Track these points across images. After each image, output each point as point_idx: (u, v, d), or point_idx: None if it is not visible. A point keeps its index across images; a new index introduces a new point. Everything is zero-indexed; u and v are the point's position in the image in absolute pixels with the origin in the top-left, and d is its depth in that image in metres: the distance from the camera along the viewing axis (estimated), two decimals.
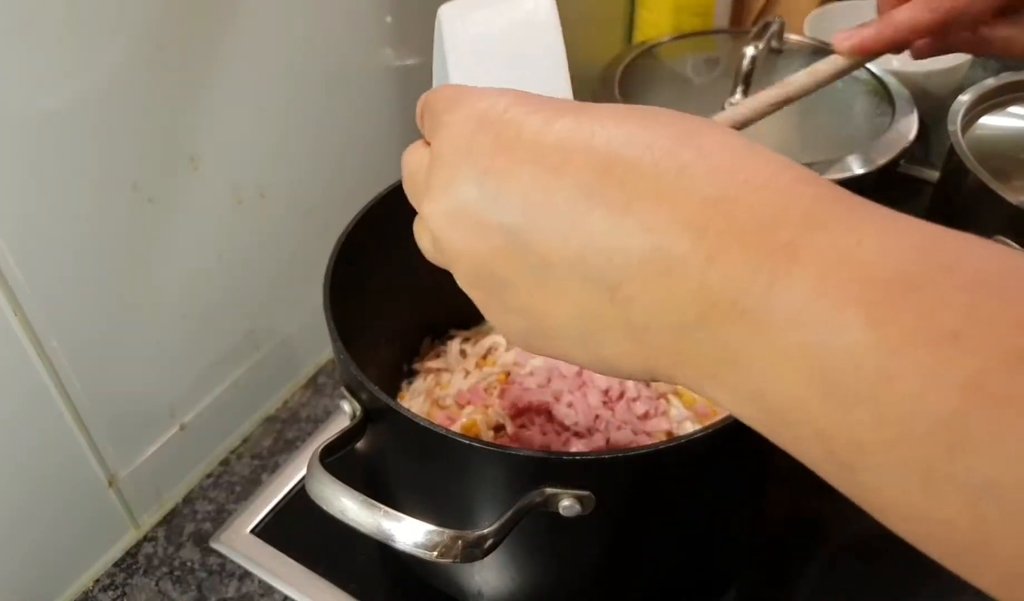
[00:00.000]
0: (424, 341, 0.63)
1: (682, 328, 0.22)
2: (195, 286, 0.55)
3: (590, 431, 0.54)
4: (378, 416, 0.41)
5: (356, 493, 0.35)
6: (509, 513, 0.36)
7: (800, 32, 0.86)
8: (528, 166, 0.24)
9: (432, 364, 0.61)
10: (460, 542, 0.34)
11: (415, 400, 0.59)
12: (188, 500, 0.59)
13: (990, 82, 0.68)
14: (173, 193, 0.51)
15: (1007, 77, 0.69)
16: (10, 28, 0.39)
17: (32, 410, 0.47)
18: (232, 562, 0.55)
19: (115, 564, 0.56)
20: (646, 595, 0.50)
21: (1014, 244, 0.56)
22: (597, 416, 0.54)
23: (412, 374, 0.61)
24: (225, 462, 0.62)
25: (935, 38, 0.47)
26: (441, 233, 0.26)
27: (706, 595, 0.53)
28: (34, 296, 0.45)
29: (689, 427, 0.54)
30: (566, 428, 0.54)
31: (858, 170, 0.66)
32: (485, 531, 0.35)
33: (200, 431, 0.59)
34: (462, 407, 0.57)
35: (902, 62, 0.86)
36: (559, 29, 0.31)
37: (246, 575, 0.54)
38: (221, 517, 0.58)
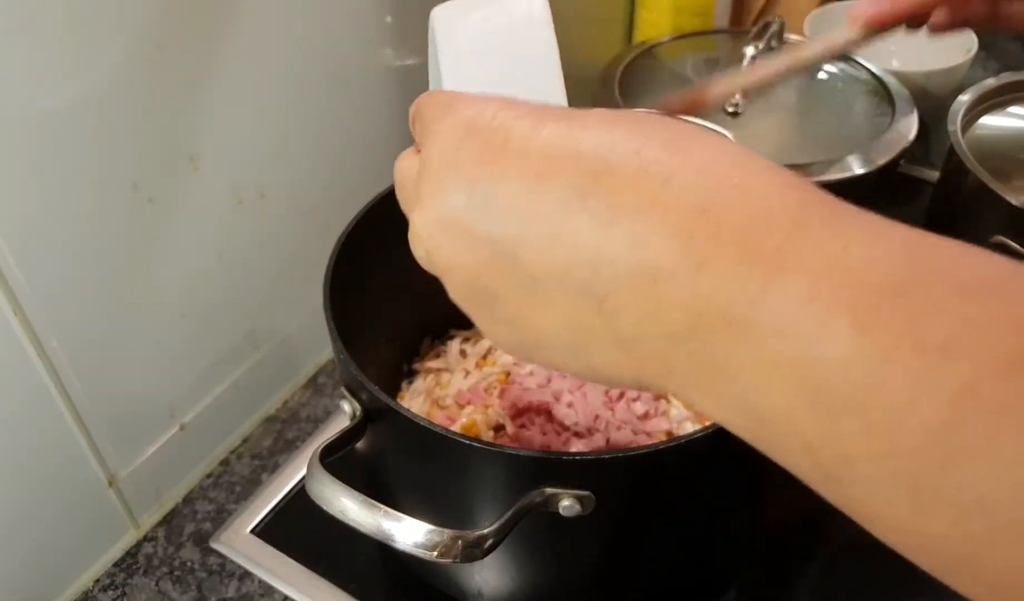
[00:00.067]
0: (424, 341, 0.63)
1: (670, 339, 0.22)
2: (195, 286, 0.55)
3: (590, 431, 0.54)
4: (378, 416, 0.41)
5: (356, 493, 0.35)
6: (509, 513, 0.36)
7: (800, 32, 0.86)
8: (515, 175, 0.24)
9: (432, 364, 0.61)
10: (460, 542, 0.34)
11: (415, 400, 0.59)
12: (188, 500, 0.59)
13: (990, 82, 0.68)
14: (173, 193, 0.51)
15: (1007, 77, 0.69)
16: (10, 28, 0.39)
17: (32, 410, 0.47)
18: (232, 562, 0.55)
19: (115, 564, 0.56)
20: (646, 595, 0.50)
21: (1014, 244, 0.56)
22: (597, 416, 0.54)
23: (412, 374, 0.61)
24: (225, 462, 0.62)
25: (952, 10, 0.47)
26: (431, 244, 0.26)
27: (706, 595, 0.53)
28: (34, 296, 0.45)
29: (689, 427, 0.54)
30: (566, 428, 0.54)
31: (858, 170, 0.66)
32: (485, 531, 0.35)
33: (200, 431, 0.59)
34: (462, 407, 0.57)
35: (902, 62, 0.86)
36: (552, 29, 0.31)
37: (246, 575, 0.54)
38: (221, 517, 0.58)
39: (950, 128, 0.63)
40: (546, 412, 0.55)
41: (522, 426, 0.54)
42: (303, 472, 0.50)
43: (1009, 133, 0.67)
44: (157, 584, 0.54)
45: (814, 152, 0.67)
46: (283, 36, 0.54)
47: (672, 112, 0.48)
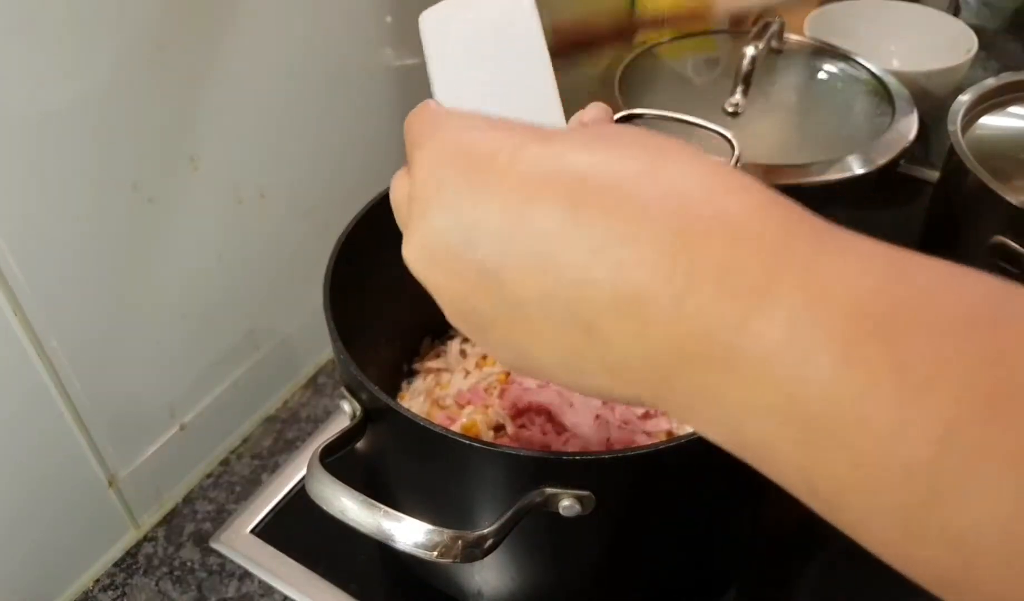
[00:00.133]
0: (424, 341, 0.63)
1: (656, 366, 0.22)
2: (195, 286, 0.55)
3: (590, 431, 0.54)
4: (378, 416, 0.41)
5: (356, 493, 0.35)
6: (509, 513, 0.36)
7: (800, 32, 0.86)
8: (498, 202, 0.24)
9: (432, 364, 0.61)
10: (460, 542, 0.34)
11: (415, 400, 0.59)
12: (188, 500, 0.59)
13: (990, 82, 0.68)
14: (173, 193, 0.51)
15: (1007, 77, 0.69)
16: (10, 28, 0.39)
17: (32, 410, 0.47)
18: (232, 562, 0.55)
19: (115, 564, 0.56)
20: (646, 595, 0.50)
21: (1014, 244, 0.56)
22: (597, 416, 0.54)
23: (412, 374, 0.61)
24: (225, 462, 0.62)
25: None
26: (421, 270, 0.26)
27: (706, 595, 0.53)
28: (34, 296, 0.45)
29: (689, 427, 0.54)
30: (566, 428, 0.54)
31: (858, 170, 0.66)
32: (485, 531, 0.35)
33: (200, 431, 0.59)
34: (462, 407, 0.57)
35: (902, 62, 0.86)
36: (540, 27, 0.31)
37: (246, 575, 0.54)
38: (221, 517, 0.58)
39: (950, 128, 0.63)
40: (546, 412, 0.55)
41: (522, 426, 0.54)
42: (303, 472, 0.50)
43: (1009, 133, 0.67)
44: (157, 584, 0.54)
45: (814, 152, 0.67)
46: (283, 36, 0.54)
47: None
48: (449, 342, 0.62)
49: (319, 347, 0.69)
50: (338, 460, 0.39)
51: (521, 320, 0.24)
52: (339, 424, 0.60)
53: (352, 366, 0.41)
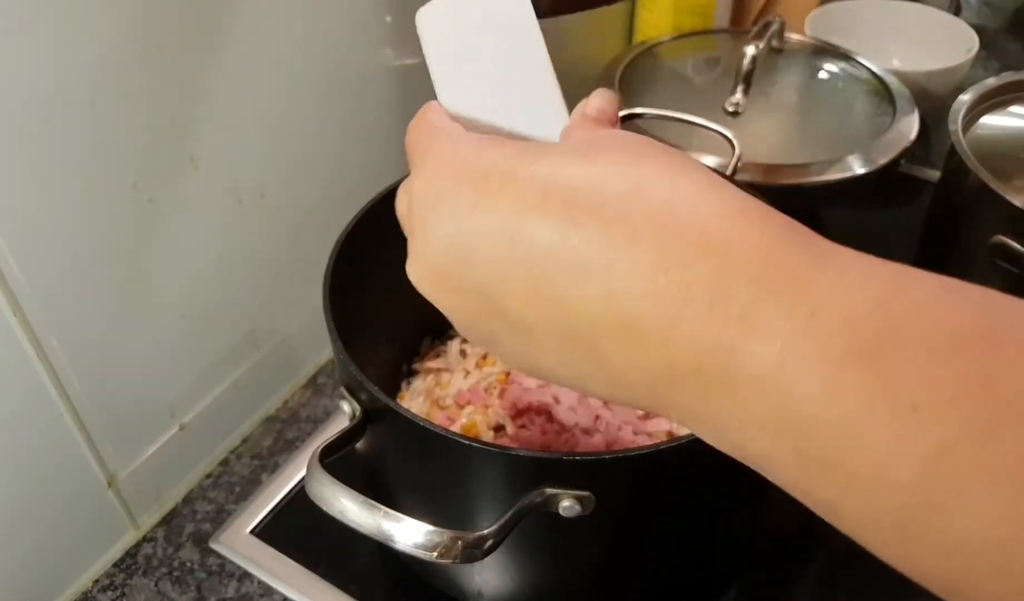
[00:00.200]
0: (424, 341, 0.63)
1: (653, 386, 0.23)
2: (195, 286, 0.55)
3: (590, 431, 0.54)
4: (378, 416, 0.41)
5: (356, 493, 0.35)
6: (509, 513, 0.36)
7: (801, 31, 0.86)
8: (492, 226, 0.24)
9: (432, 364, 0.61)
10: (460, 542, 0.34)
11: (415, 400, 0.59)
12: (188, 500, 0.59)
13: (991, 82, 0.68)
14: (173, 193, 0.51)
15: (1008, 77, 0.69)
16: (10, 28, 0.39)
17: (32, 410, 0.47)
18: (231, 562, 0.55)
19: (114, 564, 0.56)
20: (646, 595, 0.50)
21: (1015, 244, 0.56)
22: (597, 416, 0.54)
23: (412, 374, 0.61)
24: (225, 462, 0.62)
25: None
26: (426, 291, 0.27)
27: (706, 595, 0.53)
28: (34, 296, 0.45)
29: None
30: (566, 428, 0.54)
31: (859, 170, 0.66)
32: (485, 531, 0.35)
33: (200, 431, 0.59)
34: (462, 407, 0.57)
35: (903, 62, 0.86)
36: (536, 23, 0.31)
37: (246, 576, 0.54)
38: (221, 517, 0.58)
39: (951, 128, 0.63)
40: (546, 412, 0.55)
41: (522, 426, 0.54)
42: (303, 472, 0.50)
43: (1010, 133, 0.67)
44: (156, 584, 0.54)
45: (814, 152, 0.67)
46: (283, 36, 0.54)
47: None
48: (449, 342, 0.62)
49: (319, 347, 0.69)
50: (338, 460, 0.39)
51: (526, 340, 0.25)
52: (339, 424, 0.60)
53: (352, 366, 0.41)
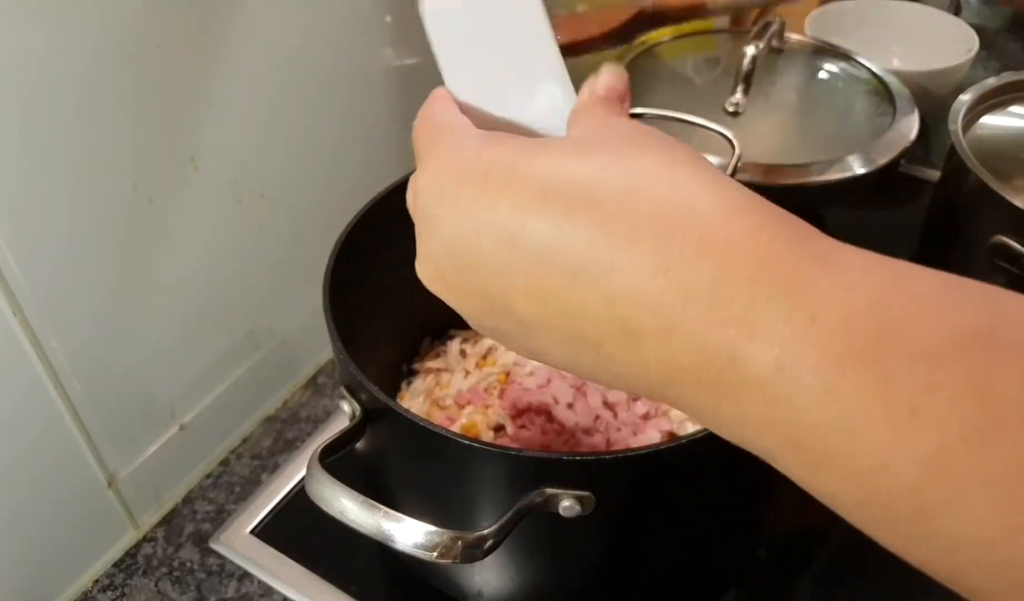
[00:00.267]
0: (424, 341, 0.63)
1: (656, 384, 0.23)
2: (195, 286, 0.55)
3: (590, 431, 0.54)
4: (378, 416, 0.41)
5: (356, 493, 0.35)
6: (509, 513, 0.36)
7: (801, 31, 0.86)
8: (495, 226, 0.24)
9: (432, 364, 0.61)
10: (460, 542, 0.34)
11: (415, 400, 0.59)
12: (188, 500, 0.59)
13: (991, 82, 0.68)
14: (173, 193, 0.51)
15: (1008, 77, 0.69)
16: (10, 28, 0.39)
17: (31, 410, 0.47)
18: (231, 563, 0.55)
19: (114, 564, 0.56)
20: (646, 595, 0.50)
21: (1015, 243, 0.56)
22: (597, 416, 0.54)
23: (412, 374, 0.61)
24: (225, 462, 0.62)
25: None
26: (437, 290, 0.27)
27: (706, 595, 0.53)
28: (34, 296, 0.45)
29: (690, 427, 0.54)
30: (566, 428, 0.54)
31: (859, 170, 0.65)
32: (485, 532, 0.35)
33: (200, 431, 0.59)
34: (462, 407, 0.57)
35: (903, 61, 0.86)
36: (543, 9, 0.31)
37: (245, 576, 0.54)
38: (221, 517, 0.58)
39: (951, 128, 0.63)
40: (546, 412, 0.55)
41: (522, 426, 0.54)
42: (303, 472, 0.50)
43: (1010, 133, 0.67)
44: (156, 585, 0.54)
45: (814, 152, 0.67)
46: (283, 36, 0.54)
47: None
48: (449, 342, 0.62)
49: (319, 347, 0.69)
50: (338, 460, 0.39)
51: (533, 337, 0.25)
52: (339, 424, 0.60)
53: (352, 366, 0.41)
